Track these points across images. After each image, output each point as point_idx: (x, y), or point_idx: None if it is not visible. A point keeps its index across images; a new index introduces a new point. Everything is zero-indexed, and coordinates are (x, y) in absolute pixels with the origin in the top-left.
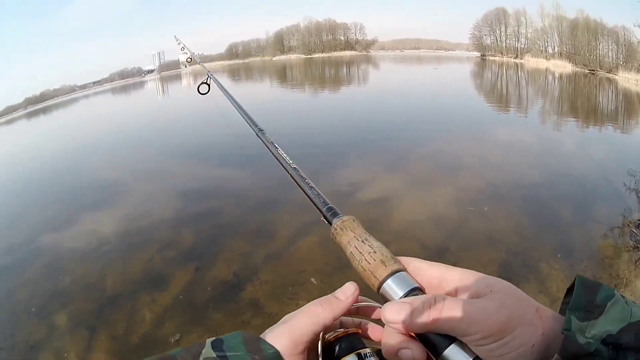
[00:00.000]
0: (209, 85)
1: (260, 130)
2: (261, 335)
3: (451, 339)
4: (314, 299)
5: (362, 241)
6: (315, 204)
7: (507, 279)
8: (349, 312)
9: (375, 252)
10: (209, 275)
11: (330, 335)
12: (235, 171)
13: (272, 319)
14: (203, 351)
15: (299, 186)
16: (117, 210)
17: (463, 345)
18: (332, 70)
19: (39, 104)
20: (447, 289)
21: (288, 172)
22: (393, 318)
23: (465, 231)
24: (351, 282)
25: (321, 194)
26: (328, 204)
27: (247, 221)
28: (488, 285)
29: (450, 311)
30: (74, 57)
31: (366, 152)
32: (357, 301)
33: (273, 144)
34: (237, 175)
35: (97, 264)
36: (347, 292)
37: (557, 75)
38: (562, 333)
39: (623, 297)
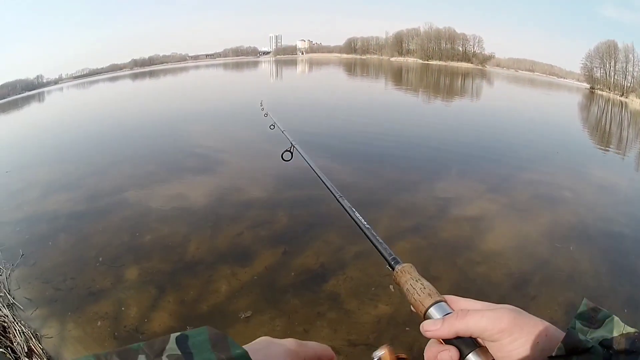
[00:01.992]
0: (292, 153)
1: (341, 196)
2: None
3: (475, 345)
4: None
5: (416, 280)
6: (383, 255)
7: None
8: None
9: (424, 288)
10: (295, 261)
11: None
12: (342, 165)
13: (349, 317)
14: (167, 347)
15: (371, 241)
16: (214, 180)
17: (485, 351)
18: (447, 80)
19: (145, 67)
20: None
21: (363, 232)
22: (429, 327)
23: (549, 266)
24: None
25: (387, 247)
26: (392, 255)
27: (344, 216)
28: (503, 306)
29: (471, 318)
30: (190, 29)
31: (469, 168)
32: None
33: (351, 208)
34: (343, 170)
35: (183, 228)
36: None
37: None
38: (567, 329)
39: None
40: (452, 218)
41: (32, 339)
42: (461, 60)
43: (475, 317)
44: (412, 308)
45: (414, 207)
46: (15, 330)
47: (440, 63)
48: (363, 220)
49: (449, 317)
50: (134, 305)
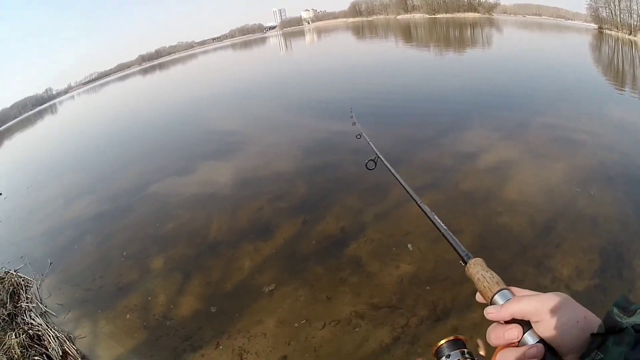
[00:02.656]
0: (375, 162)
1: (421, 202)
2: None
3: (528, 326)
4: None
5: (486, 271)
6: (457, 251)
7: (602, 270)
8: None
9: (493, 277)
10: (315, 228)
11: (440, 342)
12: (360, 126)
13: (371, 279)
14: None
15: (448, 241)
16: (233, 160)
17: (534, 332)
18: (456, 32)
19: (153, 61)
20: None
21: (441, 232)
22: (491, 311)
23: (572, 211)
24: None
25: (461, 245)
26: (465, 251)
27: (362, 178)
28: (550, 293)
29: (524, 301)
30: (192, 16)
31: (484, 118)
32: None
33: (432, 212)
34: (361, 131)
35: (204, 212)
36: None
37: None
38: (607, 312)
39: None
40: (470, 169)
41: (66, 342)
42: (467, 11)
43: (527, 300)
44: (477, 297)
45: (432, 161)
46: (50, 336)
47: (447, 16)
48: (441, 222)
49: (506, 302)
50: (161, 293)
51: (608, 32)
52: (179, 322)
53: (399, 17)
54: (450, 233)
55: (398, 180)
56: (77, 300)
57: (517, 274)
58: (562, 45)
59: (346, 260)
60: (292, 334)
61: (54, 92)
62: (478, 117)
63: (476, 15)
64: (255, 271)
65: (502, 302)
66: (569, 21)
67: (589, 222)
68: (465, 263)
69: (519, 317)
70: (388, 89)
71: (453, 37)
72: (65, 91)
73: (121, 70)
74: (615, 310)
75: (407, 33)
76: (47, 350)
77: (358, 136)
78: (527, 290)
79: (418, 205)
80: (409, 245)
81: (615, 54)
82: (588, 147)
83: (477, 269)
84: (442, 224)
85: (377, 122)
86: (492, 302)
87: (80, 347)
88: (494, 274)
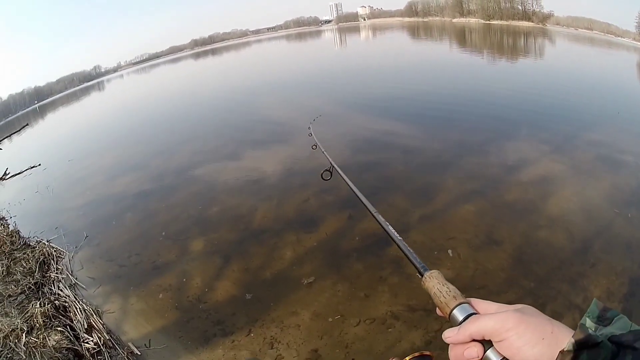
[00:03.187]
0: (331, 172)
1: (376, 211)
2: None
3: (491, 344)
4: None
5: (442, 285)
6: (412, 263)
7: (630, 294)
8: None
9: (450, 291)
10: (360, 225)
11: (408, 357)
12: (409, 128)
13: (410, 281)
14: None
15: (403, 252)
16: (283, 150)
17: (496, 350)
18: (510, 40)
19: (206, 46)
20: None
21: (395, 243)
22: (448, 334)
23: (610, 233)
24: None
25: (416, 256)
26: (421, 263)
27: (411, 179)
28: (514, 307)
29: (482, 321)
30: (249, 3)
31: (533, 129)
32: None
33: (387, 222)
34: (410, 132)
35: (251, 199)
36: None
37: None
38: (578, 325)
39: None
40: (516, 180)
41: (92, 316)
42: (521, 19)
43: (485, 320)
44: (437, 311)
45: (479, 169)
46: (76, 308)
47: (502, 22)
48: (395, 232)
49: (464, 324)
50: (198, 275)
51: None
52: (213, 306)
53: (454, 20)
54: (405, 244)
55: (352, 189)
56: (109, 275)
57: (551, 290)
58: (612, 62)
59: (387, 259)
60: (326, 328)
61: (103, 70)
62: (526, 128)
63: (530, 24)
64: (295, 262)
65: (460, 318)
66: (619, 38)
67: (624, 245)
68: (422, 275)
69: (479, 338)
70: (442, 93)
71: (507, 44)
72: (115, 69)
73: (173, 52)
74: (588, 321)
75: (461, 37)
76: (72, 322)
77: (314, 147)
78: (488, 302)
79: (372, 215)
80: (449, 251)
81: None
82: (631, 168)
83: (433, 283)
84: (397, 235)
85: (428, 127)
86: (450, 318)
87: (107, 322)
88: (452, 286)
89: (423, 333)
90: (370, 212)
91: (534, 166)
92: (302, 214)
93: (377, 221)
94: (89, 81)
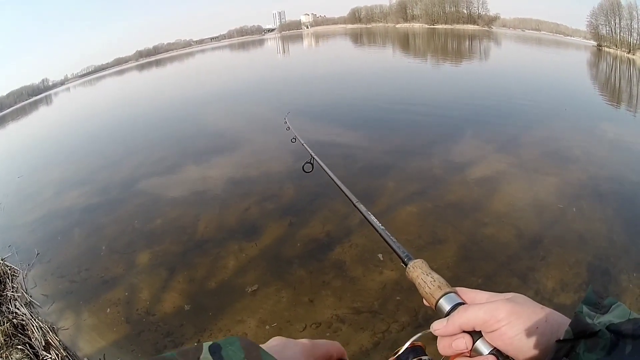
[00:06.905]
0: (312, 164)
1: (358, 201)
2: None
3: (481, 334)
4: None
5: (426, 274)
6: (396, 252)
7: (587, 284)
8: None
9: (434, 281)
10: (301, 231)
11: (399, 349)
12: (349, 131)
13: (354, 284)
14: (201, 356)
15: (386, 241)
16: (225, 160)
17: (485, 341)
18: (454, 44)
19: (151, 57)
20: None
21: (378, 232)
22: (437, 327)
23: (560, 226)
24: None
25: (400, 245)
26: (405, 252)
27: (352, 183)
28: (505, 296)
29: (471, 312)
30: (191, 14)
31: (477, 130)
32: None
33: (368, 212)
34: (350, 136)
35: (193, 209)
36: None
37: None
38: (575, 313)
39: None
40: (459, 180)
41: (49, 333)
42: (467, 23)
43: (475, 310)
44: (424, 301)
45: (421, 170)
46: (33, 326)
47: (447, 27)
48: (378, 222)
49: (452, 316)
50: (145, 288)
51: (607, 49)
52: (162, 318)
53: (397, 25)
54: (388, 233)
55: (334, 180)
56: (61, 291)
57: (500, 284)
58: (559, 61)
59: (330, 264)
60: (272, 334)
61: (50, 83)
62: (470, 129)
63: (476, 27)
64: (239, 271)
65: (447, 308)
66: (568, 37)
67: (576, 237)
68: (406, 265)
69: (469, 330)
70: (383, 97)
71: (450, 48)
72: (62, 82)
73: (118, 64)
74: (585, 309)
75: (405, 42)
76: (30, 340)
77: (293, 140)
78: (476, 290)
79: (354, 205)
80: (380, 255)
81: (613, 71)
82: (580, 163)
83: (418, 273)
84: (380, 224)
85: (369, 130)
86: (436, 308)
87: (62, 339)
88: (437, 276)
89: (370, 335)
90: (352, 202)
91: (478, 166)
92: (244, 223)
93: (359, 211)
94: (37, 95)
